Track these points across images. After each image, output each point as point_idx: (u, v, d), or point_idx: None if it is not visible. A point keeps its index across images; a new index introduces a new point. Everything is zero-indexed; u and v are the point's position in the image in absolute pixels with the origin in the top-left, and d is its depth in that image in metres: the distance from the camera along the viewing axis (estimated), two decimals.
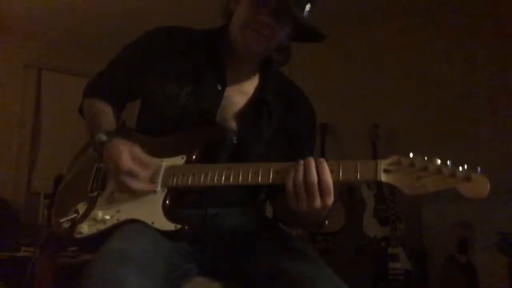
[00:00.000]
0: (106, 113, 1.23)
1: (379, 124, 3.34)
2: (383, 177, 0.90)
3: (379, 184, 3.15)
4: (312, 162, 0.92)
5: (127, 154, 1.05)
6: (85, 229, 1.08)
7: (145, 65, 1.20)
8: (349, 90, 3.65)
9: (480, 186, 0.87)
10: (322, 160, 0.93)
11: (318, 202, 0.91)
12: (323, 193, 0.91)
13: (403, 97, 3.44)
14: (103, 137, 1.11)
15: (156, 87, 1.19)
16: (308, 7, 1.15)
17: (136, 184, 1.04)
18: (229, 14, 1.19)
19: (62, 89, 4.10)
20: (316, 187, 0.91)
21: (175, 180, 1.06)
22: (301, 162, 0.94)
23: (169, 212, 1.05)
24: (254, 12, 1.10)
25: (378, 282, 2.87)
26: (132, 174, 1.04)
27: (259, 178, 0.99)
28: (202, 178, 1.04)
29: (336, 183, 0.92)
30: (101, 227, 1.07)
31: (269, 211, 1.47)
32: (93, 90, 1.29)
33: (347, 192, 3.45)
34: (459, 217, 2.94)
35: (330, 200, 0.92)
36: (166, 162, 1.10)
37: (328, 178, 0.91)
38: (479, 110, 3.21)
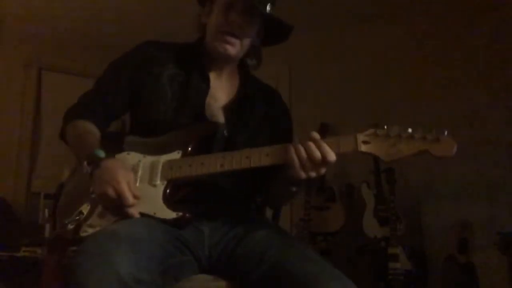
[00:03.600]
0: (92, 133, 1.24)
1: (379, 124, 3.33)
2: (363, 148, 1.02)
3: (379, 184, 3.16)
4: (309, 143, 1.03)
5: (123, 174, 1.08)
6: (90, 227, 1.10)
7: (137, 75, 1.28)
8: (349, 90, 3.65)
9: (447, 146, 0.98)
10: (319, 139, 1.04)
11: (323, 170, 1.04)
12: (326, 164, 1.03)
13: (403, 97, 3.44)
14: (102, 153, 1.13)
15: (148, 92, 1.26)
16: (269, 6, 1.28)
17: (113, 206, 1.07)
18: (202, 28, 1.34)
19: (62, 89, 4.09)
20: (321, 160, 1.02)
21: (173, 173, 1.12)
22: (299, 144, 1.04)
23: (170, 202, 1.11)
24: (225, 17, 1.24)
25: (378, 282, 2.87)
26: (121, 195, 1.05)
27: (251, 162, 1.07)
28: (198, 168, 1.11)
29: None
30: (105, 223, 1.09)
31: (269, 213, 1.48)
32: (78, 113, 1.30)
33: (347, 192, 3.45)
34: (459, 217, 2.94)
35: (328, 165, 1.05)
36: (164, 158, 1.15)
37: (330, 152, 1.02)
38: (481, 110, 3.21)
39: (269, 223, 1.31)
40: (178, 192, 1.14)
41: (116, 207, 1.06)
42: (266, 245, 1.10)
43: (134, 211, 1.07)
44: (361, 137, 1.02)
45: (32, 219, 3.70)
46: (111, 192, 1.04)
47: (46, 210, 3.42)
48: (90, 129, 1.25)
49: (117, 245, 0.90)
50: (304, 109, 3.63)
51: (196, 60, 1.32)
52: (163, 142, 1.19)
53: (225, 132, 1.23)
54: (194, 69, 1.30)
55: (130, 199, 1.05)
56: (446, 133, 0.99)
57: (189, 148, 1.16)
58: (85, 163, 1.13)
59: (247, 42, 1.29)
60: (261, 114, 1.34)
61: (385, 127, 1.02)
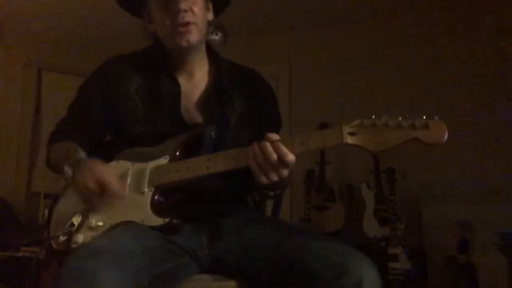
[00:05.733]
0: (73, 147, 1.24)
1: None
2: (349, 140, 0.97)
3: (379, 184, 3.16)
4: (266, 144, 0.99)
5: (101, 167, 1.11)
6: (81, 238, 1.11)
7: (106, 96, 1.27)
8: (349, 89, 3.65)
9: (438, 132, 0.92)
10: (276, 139, 1.00)
11: (285, 172, 1.00)
12: (286, 166, 0.99)
13: (403, 97, 3.44)
14: (82, 155, 1.16)
15: (121, 110, 1.25)
16: None
17: (99, 199, 1.09)
18: (154, 36, 1.29)
19: (62, 89, 4.09)
20: (278, 162, 0.98)
21: (160, 179, 1.12)
22: (255, 145, 1.00)
23: (158, 209, 1.10)
24: (168, 12, 1.19)
25: None
26: (99, 181, 1.07)
27: (237, 163, 1.05)
28: (185, 172, 1.10)
29: (306, 152, 0.99)
30: (95, 234, 1.10)
31: (268, 211, 1.47)
32: (57, 137, 1.31)
33: (347, 192, 3.45)
34: (459, 217, 2.94)
35: (292, 166, 1.00)
36: (151, 165, 1.15)
37: (287, 153, 0.98)
38: (481, 110, 3.21)
39: (268, 217, 1.32)
40: (169, 198, 1.15)
41: (102, 198, 1.08)
42: (268, 238, 1.10)
43: (120, 190, 1.09)
44: (347, 128, 0.99)
45: (32, 219, 3.71)
46: (90, 183, 1.06)
47: (46, 210, 3.41)
48: (72, 145, 1.25)
49: (100, 262, 0.89)
50: (304, 109, 3.62)
51: (160, 65, 1.28)
52: (150, 150, 1.19)
53: (212, 134, 1.21)
54: (160, 75, 1.27)
55: (111, 180, 1.07)
56: (437, 118, 0.94)
57: (177, 153, 1.15)
58: (65, 167, 1.13)
59: (201, 22, 1.23)
60: (242, 104, 1.29)
61: (373, 116, 0.97)
